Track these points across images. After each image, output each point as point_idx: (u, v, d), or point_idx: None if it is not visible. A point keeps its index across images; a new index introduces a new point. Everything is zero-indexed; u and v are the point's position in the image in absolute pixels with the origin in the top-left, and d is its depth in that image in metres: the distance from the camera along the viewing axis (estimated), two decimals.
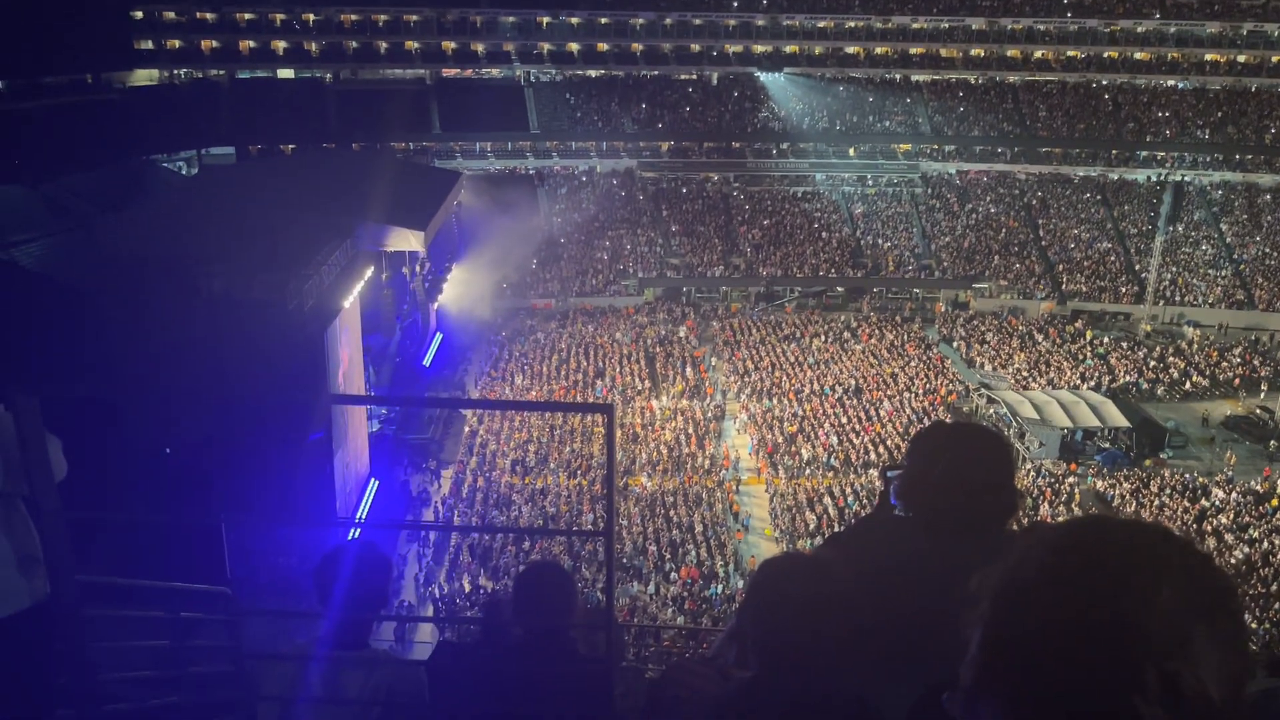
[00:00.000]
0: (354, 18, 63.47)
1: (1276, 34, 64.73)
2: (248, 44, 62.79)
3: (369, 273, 33.71)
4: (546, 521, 32.34)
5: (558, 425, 38.14)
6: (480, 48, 65.22)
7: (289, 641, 3.89)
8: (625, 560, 30.46)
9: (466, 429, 38.73)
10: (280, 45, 63.29)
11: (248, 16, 62.09)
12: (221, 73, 62.92)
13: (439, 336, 42.55)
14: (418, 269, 40.80)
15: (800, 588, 2.17)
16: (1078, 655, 1.14)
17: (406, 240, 34.95)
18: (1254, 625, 25.96)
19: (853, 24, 66.21)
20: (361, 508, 29.89)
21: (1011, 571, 1.23)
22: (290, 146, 58.57)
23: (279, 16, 62.44)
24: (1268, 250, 57.84)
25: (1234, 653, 1.16)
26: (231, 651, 4.20)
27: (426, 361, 40.32)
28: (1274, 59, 65.20)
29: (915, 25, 66.22)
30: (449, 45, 64.93)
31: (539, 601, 3.40)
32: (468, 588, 27.96)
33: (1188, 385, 45.74)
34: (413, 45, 64.41)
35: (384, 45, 64.22)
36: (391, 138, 60.91)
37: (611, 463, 3.16)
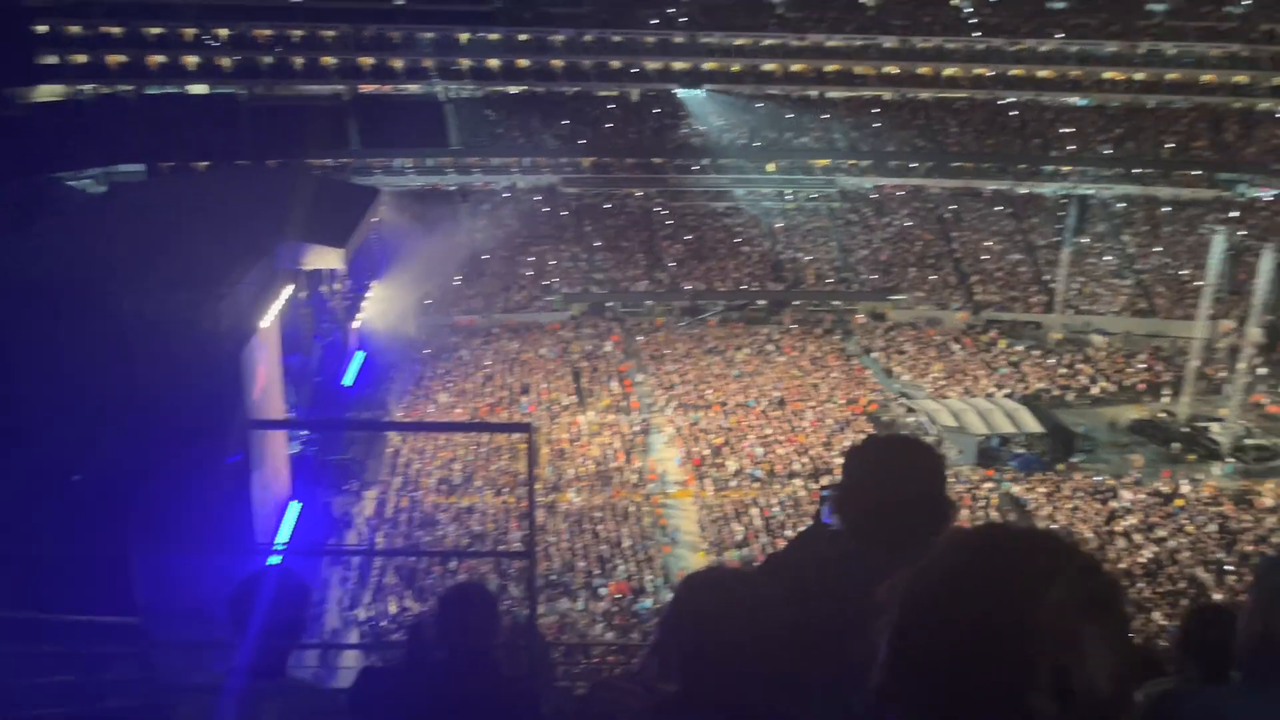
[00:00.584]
0: (268, 33, 62.36)
1: (1171, 53, 67.60)
2: (157, 59, 61.21)
3: (287, 291, 32.97)
4: (474, 541, 31.98)
5: (484, 442, 37.81)
6: (399, 64, 64.62)
7: (205, 672, 3.78)
8: (554, 577, 30.29)
9: (390, 448, 38.14)
10: (191, 60, 61.84)
11: (156, 31, 60.58)
12: (130, 88, 61.19)
13: (360, 355, 41.82)
14: (337, 287, 40.13)
15: (720, 600, 2.18)
16: (977, 657, 1.19)
17: (325, 258, 34.32)
18: (1164, 622, 26.85)
19: (769, 42, 67.27)
20: (282, 531, 29.18)
21: (916, 580, 1.29)
22: (203, 163, 57.13)
23: (189, 31, 61.06)
24: (1167, 260, 60.21)
25: (1121, 650, 1.23)
26: (144, 684, 4.07)
27: (348, 381, 39.57)
28: (1169, 77, 68.06)
29: (830, 43, 67.55)
30: (366, 61, 64.19)
31: (462, 623, 3.36)
32: (394, 610, 27.49)
33: (1096, 391, 47.29)
34: (329, 61, 63.51)
35: (300, 61, 63.20)
36: (308, 154, 59.79)
37: (532, 483, 3.15)
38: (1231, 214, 61.93)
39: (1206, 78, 67.96)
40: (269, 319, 30.05)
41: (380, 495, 34.74)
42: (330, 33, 63.01)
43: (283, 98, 63.31)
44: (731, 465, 37.83)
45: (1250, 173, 65.30)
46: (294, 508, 30.08)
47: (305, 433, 34.69)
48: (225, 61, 62.22)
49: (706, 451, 38.95)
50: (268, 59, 62.72)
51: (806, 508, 33.78)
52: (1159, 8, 67.45)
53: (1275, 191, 64.32)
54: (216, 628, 3.69)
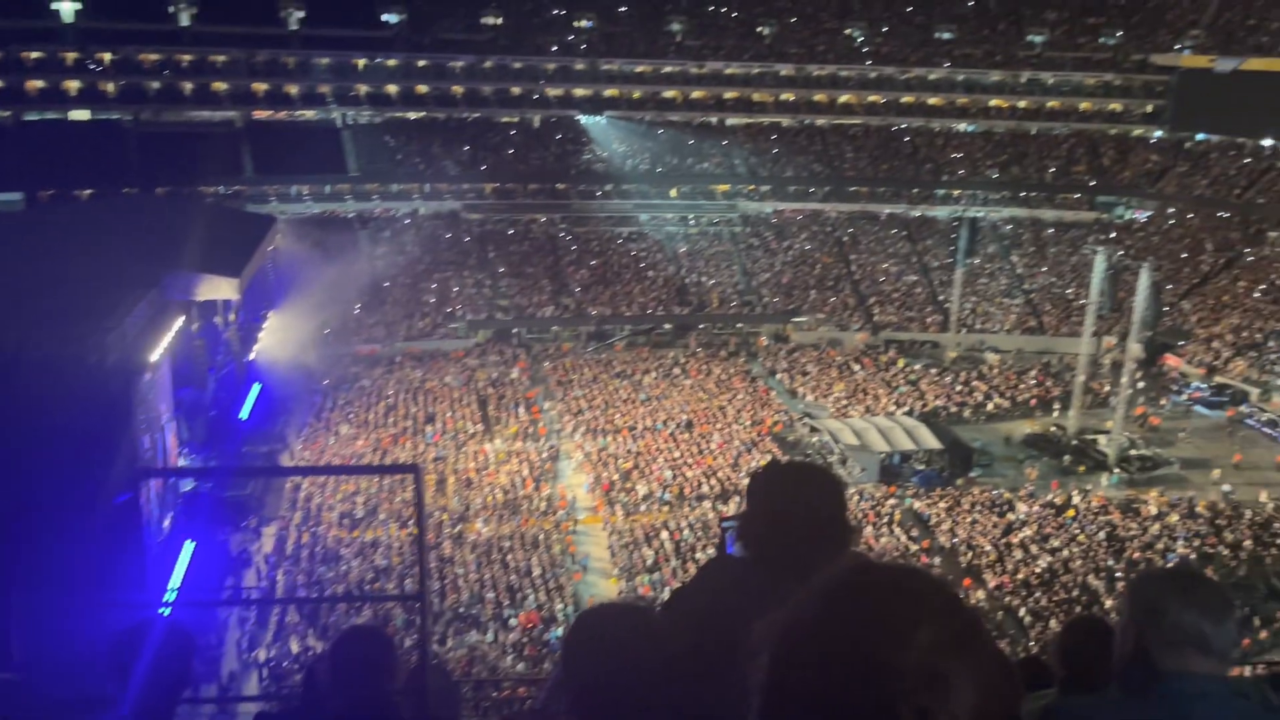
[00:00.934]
0: (155, 58, 60.54)
1: (1051, 82, 70.78)
2: (36, 84, 58.81)
3: (178, 323, 31.93)
4: (379, 575, 31.22)
5: (388, 476, 37.02)
6: (294, 89, 63.37)
7: None
8: (462, 609, 29.77)
9: (290, 483, 37.05)
10: (73, 85, 59.58)
11: (35, 55, 58.25)
12: (7, 114, 58.59)
13: (257, 387, 40.62)
14: (232, 318, 38.97)
15: (612, 633, 2.16)
16: (845, 702, 1.20)
17: (218, 288, 33.34)
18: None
19: (669, 69, 68.17)
20: (176, 572, 28.06)
21: (786, 623, 1.30)
22: (87, 192, 54.99)
23: (71, 55, 58.87)
24: (1053, 280, 62.74)
25: (986, 686, 1.24)
26: None
27: (244, 414, 38.39)
28: (1050, 104, 71.23)
29: (728, 71, 68.81)
30: (260, 86, 62.78)
31: (357, 668, 3.23)
32: (296, 650, 26.61)
33: (990, 407, 48.84)
34: (220, 86, 61.94)
35: (189, 86, 61.47)
36: (200, 182, 58.18)
37: (422, 525, 3.05)
38: (1111, 235, 65.02)
39: (1084, 105, 71.36)
40: (159, 352, 29.02)
41: (280, 531, 33.71)
42: (221, 57, 61.49)
43: (171, 124, 61.44)
44: (641, 489, 37.83)
45: (1127, 195, 68.69)
46: (189, 546, 29.01)
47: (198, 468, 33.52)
48: (109, 87, 60.16)
49: (615, 476, 38.88)
50: (155, 84, 60.84)
51: (716, 530, 33.96)
52: (1038, 39, 70.64)
53: (1149, 213, 67.74)
54: (100, 682, 3.47)
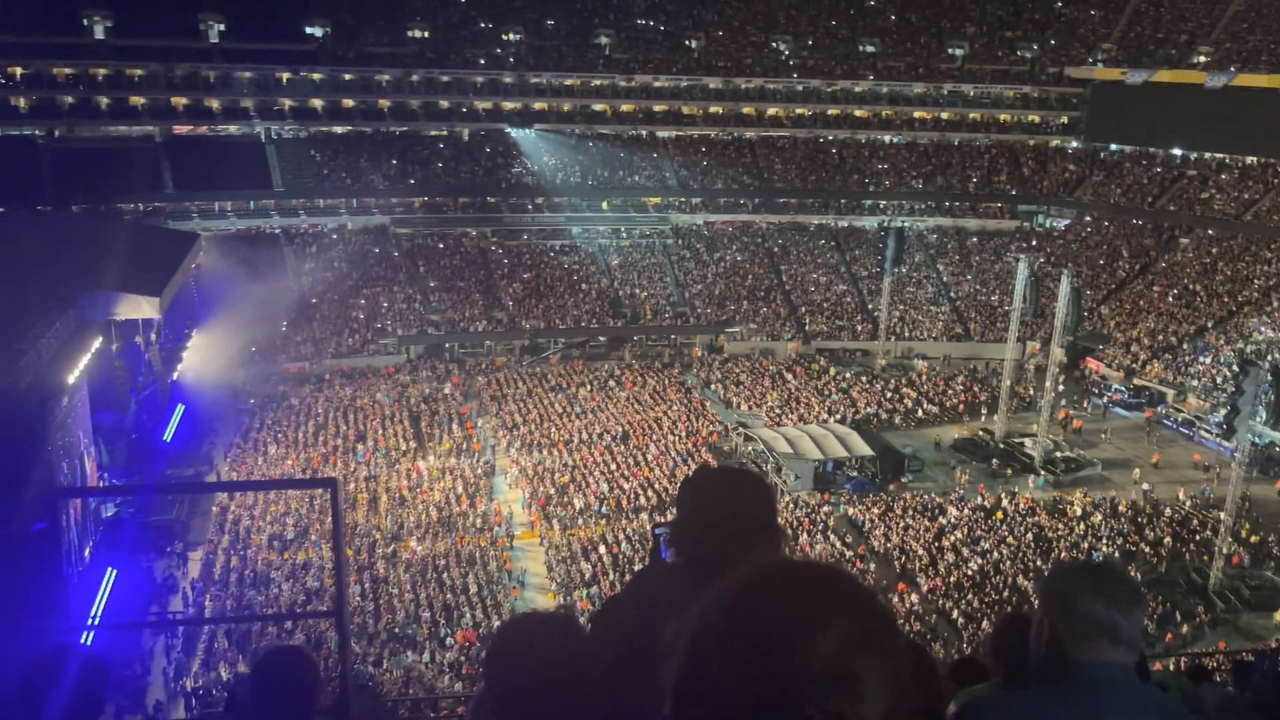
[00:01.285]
0: (69, 71, 58.84)
1: (971, 94, 72.57)
2: None
3: (96, 344, 31.06)
4: (310, 597, 30.58)
5: (317, 495, 36.31)
6: (215, 104, 62.08)
7: None
8: (397, 629, 29.30)
9: (216, 506, 36.13)
10: None
11: None
12: None
13: (180, 408, 39.62)
14: (153, 337, 37.98)
15: (536, 644, 2.14)
16: (750, 701, 1.18)
17: (139, 307, 32.58)
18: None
19: (598, 82, 68.33)
20: (98, 602, 27.19)
21: (699, 621, 1.27)
22: None
23: None
24: (978, 287, 64.20)
25: (900, 687, 1.23)
26: None
27: (168, 436, 37.41)
28: (971, 116, 73.00)
29: (657, 84, 69.21)
30: (180, 101, 61.36)
31: (278, 688, 3.13)
32: (225, 676, 25.89)
33: (920, 413, 49.71)
34: (138, 101, 60.40)
35: (105, 101, 59.84)
36: (118, 199, 56.67)
37: (339, 540, 2.97)
38: (1032, 243, 66.82)
39: (1004, 117, 73.29)
40: (76, 375, 28.17)
41: (207, 556, 32.84)
42: (139, 71, 59.99)
43: (87, 139, 59.71)
44: (578, 503, 37.68)
45: (1046, 204, 70.66)
46: (110, 574, 28.14)
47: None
48: (21, 102, 58.28)
49: (552, 491, 38.67)
50: (69, 99, 59.10)
51: (652, 545, 33.91)
52: (958, 52, 72.40)
53: (1068, 221, 69.77)
54: (8, 714, 3.31)
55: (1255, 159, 64.49)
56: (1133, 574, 33.43)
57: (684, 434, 44.89)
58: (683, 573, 2.55)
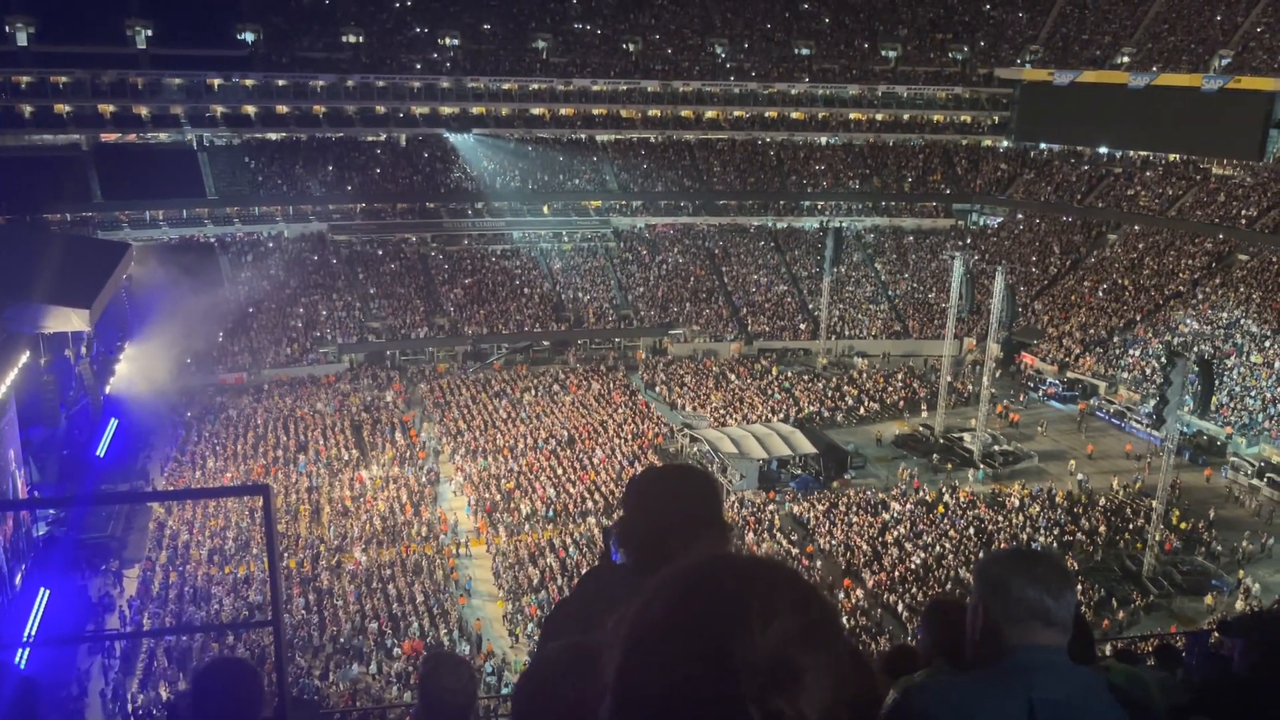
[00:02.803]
0: None
1: (905, 95, 73.72)
2: None
3: (24, 358, 30.18)
4: (253, 611, 30.03)
5: (257, 508, 35.65)
6: (144, 110, 60.63)
7: None
8: (343, 641, 28.91)
9: (153, 522, 35.31)
10: None
11: None
12: None
13: (114, 423, 38.63)
14: (84, 350, 37.02)
15: (443, 668, 2.13)
16: (695, 697, 1.16)
17: (68, 320, 31.72)
18: None
19: (536, 86, 68.13)
20: (30, 622, 26.42)
21: (637, 617, 1.25)
22: None
23: None
24: (915, 285, 65.23)
25: (836, 681, 1.22)
26: None
27: (101, 451, 36.46)
28: (905, 117, 74.16)
29: (595, 88, 69.20)
30: (107, 108, 59.87)
31: (220, 700, 3.09)
32: (165, 696, 25.32)
33: (862, 410, 50.38)
34: (63, 108, 58.79)
35: (29, 108, 58.16)
36: (44, 209, 55.06)
37: (272, 548, 2.94)
38: (967, 240, 68.06)
39: (936, 117, 74.56)
40: (3, 390, 27.34)
41: (145, 573, 32.07)
42: (63, 78, 58.33)
43: (10, 149, 57.95)
44: (524, 508, 37.51)
45: (980, 202, 72.06)
46: (43, 594, 27.36)
47: (53, 512, 31.77)
48: None
49: (498, 497, 38.45)
50: None
51: (603, 545, 33.90)
52: (892, 54, 73.51)
53: (1001, 219, 71.23)
54: None
55: (1177, 156, 66.47)
56: (1069, 562, 34.27)
57: (630, 436, 44.95)
58: (631, 571, 2.57)
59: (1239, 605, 31.96)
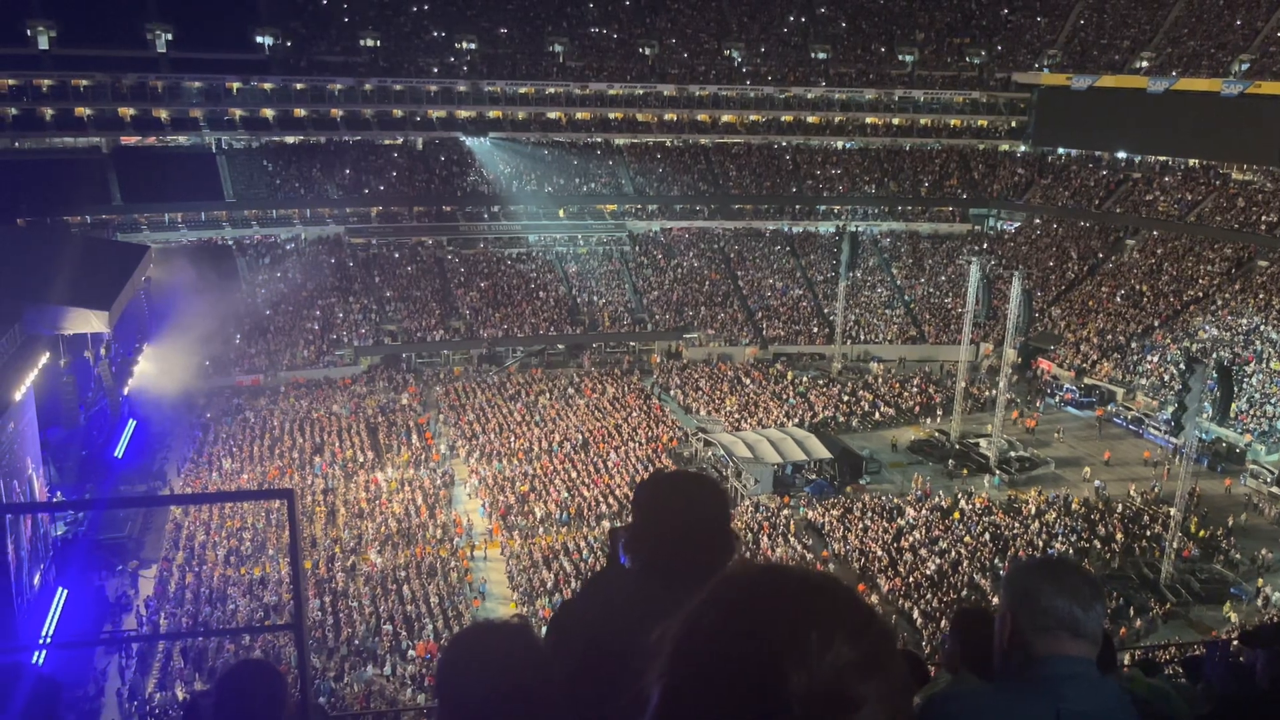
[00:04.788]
0: (12, 82, 57.57)
1: (922, 99, 73.52)
2: None
3: (44, 360, 30.44)
4: (268, 612, 30.16)
5: (274, 509, 35.84)
6: (164, 114, 61.07)
7: None
8: (357, 643, 28.99)
9: (170, 523, 35.52)
10: None
11: None
12: None
13: (132, 424, 38.95)
14: (103, 352, 37.30)
15: (489, 654, 2.12)
16: (749, 713, 1.11)
17: (88, 321, 32.00)
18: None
19: (552, 90, 68.27)
20: (48, 622, 26.64)
21: (689, 626, 1.20)
22: None
23: None
24: (931, 290, 65.00)
25: (896, 709, 1.16)
26: None
27: (119, 452, 36.76)
28: (922, 121, 73.96)
29: (612, 91, 69.30)
30: (127, 112, 60.31)
31: (243, 702, 3.10)
32: (181, 696, 25.45)
33: (877, 415, 50.19)
34: (84, 112, 59.28)
35: (50, 112, 58.66)
36: (64, 211, 55.57)
37: (295, 551, 2.94)
38: (983, 245, 67.80)
39: (954, 122, 74.32)
40: (22, 391, 27.58)
41: (162, 573, 32.25)
42: (84, 81, 58.83)
43: (31, 151, 58.50)
44: (538, 512, 37.55)
45: (996, 207, 71.75)
46: (61, 594, 27.58)
47: (72, 513, 32.00)
48: None
49: (512, 500, 38.50)
50: (12, 110, 57.86)
51: (610, 549, 33.88)
52: (909, 58, 73.32)
53: (1018, 224, 70.90)
54: None
55: (1197, 161, 66.01)
56: (1079, 564, 34.07)
57: (644, 440, 44.93)
58: (637, 577, 2.57)
59: (1259, 614, 31.68)
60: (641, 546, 2.59)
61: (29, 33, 57.05)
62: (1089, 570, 2.66)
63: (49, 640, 23.85)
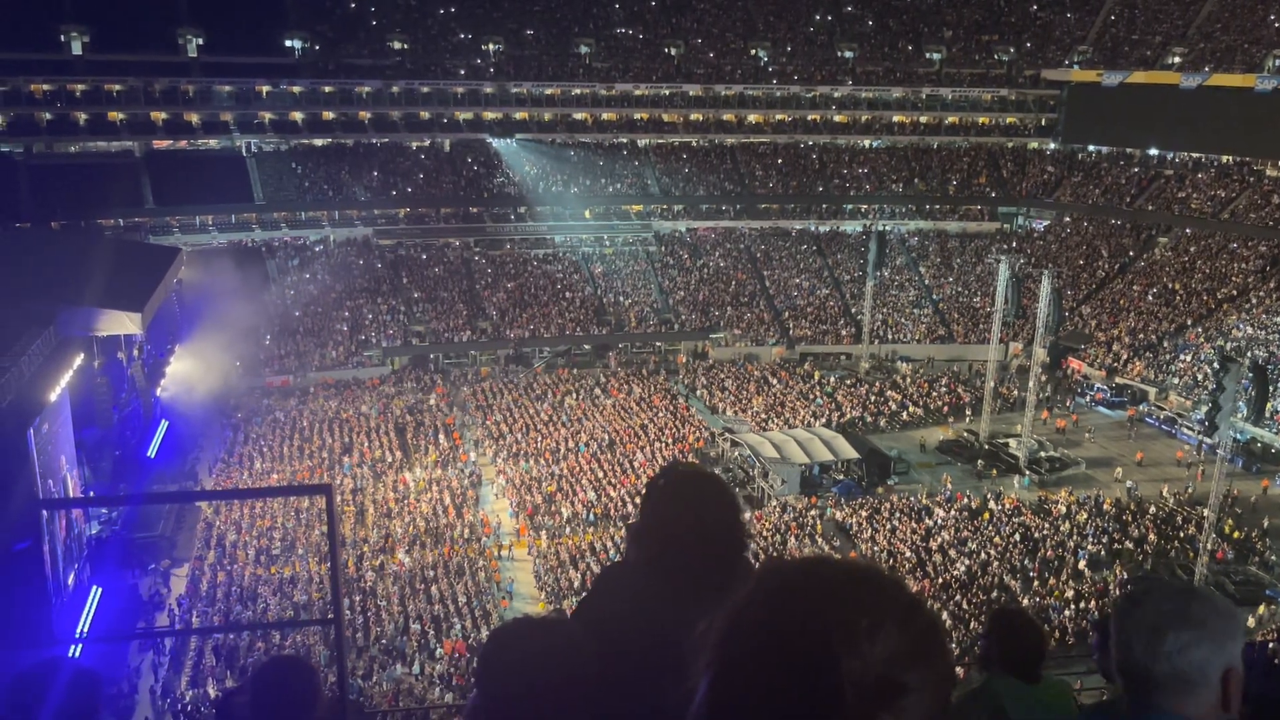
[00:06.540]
0: (47, 88, 58.49)
1: (950, 97, 73.01)
2: None
3: (78, 361, 30.86)
4: (298, 611, 30.41)
5: (304, 509, 36.16)
6: (195, 118, 61.84)
7: None
8: (385, 642, 29.18)
9: (202, 522, 35.91)
10: None
11: None
12: None
13: (164, 424, 39.42)
14: (135, 353, 37.78)
15: (530, 649, 2.13)
16: (785, 708, 1.12)
17: (121, 323, 32.39)
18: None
19: (578, 91, 68.42)
20: (83, 619, 26.99)
21: (736, 618, 1.21)
22: None
23: None
24: (959, 289, 64.52)
25: (942, 696, 1.18)
26: None
27: (151, 452, 37.20)
28: (950, 119, 73.43)
29: (637, 92, 69.35)
30: (159, 115, 61.10)
31: (278, 698, 3.13)
32: (213, 694, 25.72)
33: (905, 415, 49.87)
34: (117, 116, 60.09)
35: (83, 116, 59.50)
36: (98, 214, 56.36)
37: (334, 545, 2.97)
38: (1012, 244, 67.18)
39: (982, 120, 73.72)
40: (58, 391, 27.96)
41: (194, 572, 32.61)
42: (117, 86, 59.67)
43: (66, 155, 59.43)
44: (565, 512, 37.63)
45: (1025, 205, 71.10)
46: (95, 592, 27.93)
47: (106, 512, 32.41)
48: None
49: (539, 500, 38.61)
50: (46, 115, 58.76)
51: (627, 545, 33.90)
52: (936, 56, 72.84)
53: (1047, 222, 70.22)
54: None
55: (1230, 157, 65.11)
56: (1119, 571, 33.71)
57: (670, 440, 44.89)
58: (645, 573, 2.57)
59: None
60: (643, 540, 2.59)
61: (62, 38, 57.93)
62: (1227, 602, 1.96)
63: (84, 636, 24.15)
